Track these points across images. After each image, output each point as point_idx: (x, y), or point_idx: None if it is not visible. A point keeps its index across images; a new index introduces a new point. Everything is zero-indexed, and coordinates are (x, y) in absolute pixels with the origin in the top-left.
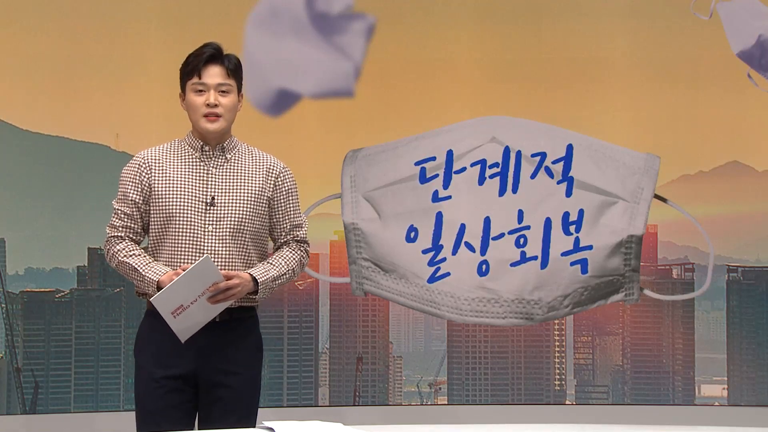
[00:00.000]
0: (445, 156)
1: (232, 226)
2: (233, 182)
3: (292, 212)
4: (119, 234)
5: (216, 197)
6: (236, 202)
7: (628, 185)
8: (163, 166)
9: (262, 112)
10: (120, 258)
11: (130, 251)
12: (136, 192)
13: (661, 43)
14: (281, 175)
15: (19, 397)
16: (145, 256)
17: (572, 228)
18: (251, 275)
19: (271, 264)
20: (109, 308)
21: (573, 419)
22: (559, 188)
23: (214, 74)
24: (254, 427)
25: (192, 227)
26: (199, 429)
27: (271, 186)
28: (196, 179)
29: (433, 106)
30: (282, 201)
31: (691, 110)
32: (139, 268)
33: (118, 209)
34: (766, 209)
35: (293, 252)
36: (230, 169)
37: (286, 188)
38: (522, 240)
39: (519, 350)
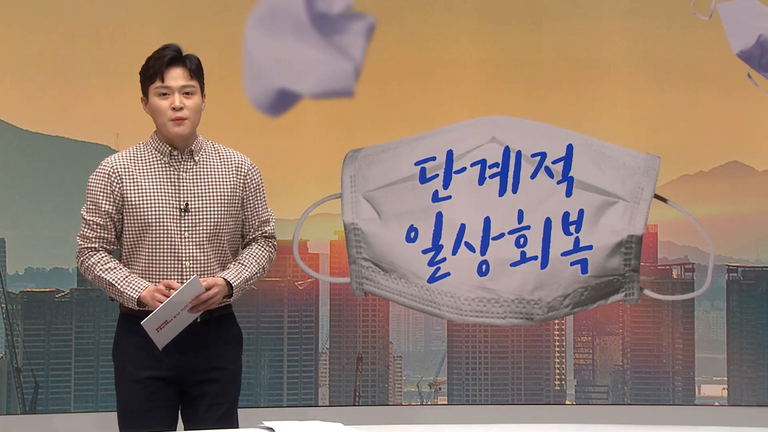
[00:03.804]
0: (445, 156)
1: (208, 231)
2: (205, 186)
3: (260, 208)
4: (92, 245)
5: (189, 203)
6: (210, 207)
7: (628, 185)
8: (133, 174)
9: (262, 112)
10: (96, 272)
11: (105, 264)
12: (108, 202)
13: (661, 43)
14: (249, 172)
15: (19, 397)
16: (120, 270)
17: (572, 228)
18: (226, 280)
19: (243, 265)
20: (109, 308)
21: (573, 419)
22: (559, 188)
23: (176, 76)
24: (236, 418)
25: (168, 234)
26: (184, 427)
27: (242, 185)
28: (168, 185)
29: (433, 106)
30: (251, 198)
31: (691, 110)
32: (116, 284)
33: (89, 220)
34: (766, 209)
35: (262, 249)
36: (200, 171)
37: (255, 185)
38: (522, 240)
39: (519, 350)
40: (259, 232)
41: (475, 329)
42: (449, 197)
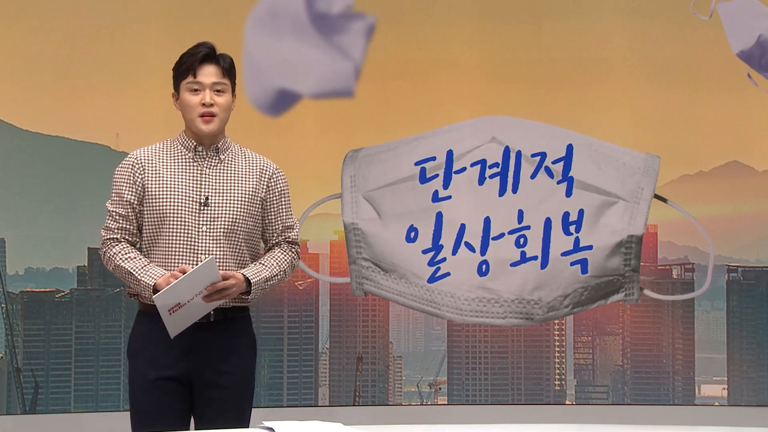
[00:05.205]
0: (445, 156)
1: (225, 227)
2: (227, 182)
3: (284, 213)
4: (115, 236)
5: (210, 197)
6: (230, 203)
7: (628, 185)
8: (156, 166)
9: (262, 112)
10: (116, 262)
11: (125, 254)
12: (130, 193)
13: (661, 43)
14: (274, 176)
15: (19, 397)
16: (140, 259)
17: (572, 228)
18: (244, 276)
19: (264, 265)
20: (109, 308)
21: (573, 419)
22: (559, 188)
23: (209, 73)
24: (248, 426)
25: (186, 227)
26: (195, 429)
27: (264, 187)
28: (189, 179)
29: (433, 106)
30: (274, 202)
31: (691, 110)
32: (134, 272)
33: (113, 211)
34: (766, 209)
35: (284, 253)
36: (224, 169)
37: (279, 189)
38: (522, 240)
39: (519, 350)
40: (282, 237)
41: (475, 329)
42: (449, 197)
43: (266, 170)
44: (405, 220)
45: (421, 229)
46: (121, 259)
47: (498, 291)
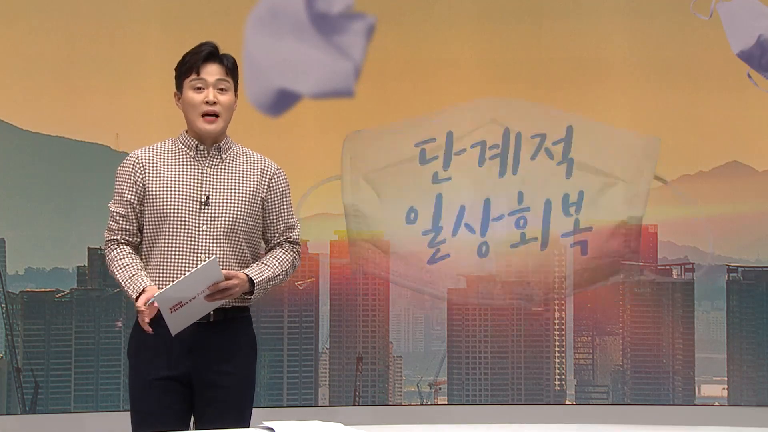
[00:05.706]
0: (445, 137)
1: (226, 226)
2: (227, 182)
3: (285, 214)
4: (115, 237)
5: (210, 197)
6: (230, 202)
7: (628, 167)
8: (157, 166)
9: (262, 112)
10: (112, 268)
11: (118, 261)
12: (131, 192)
13: (661, 43)
14: (275, 176)
15: (19, 397)
16: (131, 267)
17: (572, 209)
18: (247, 275)
19: (266, 265)
20: (109, 308)
21: (573, 419)
22: (559, 169)
23: (212, 72)
24: (248, 426)
25: (186, 227)
26: (195, 429)
27: (265, 187)
28: (190, 179)
29: (433, 107)
30: (276, 202)
31: (691, 110)
32: (123, 284)
33: (114, 212)
34: (766, 209)
35: (286, 253)
36: (225, 169)
37: (280, 190)
38: (522, 221)
39: (519, 350)
40: (284, 237)
41: (475, 329)
42: (449, 179)
43: (267, 170)
44: (405, 202)
45: (421, 211)
46: (115, 266)
47: (498, 272)
